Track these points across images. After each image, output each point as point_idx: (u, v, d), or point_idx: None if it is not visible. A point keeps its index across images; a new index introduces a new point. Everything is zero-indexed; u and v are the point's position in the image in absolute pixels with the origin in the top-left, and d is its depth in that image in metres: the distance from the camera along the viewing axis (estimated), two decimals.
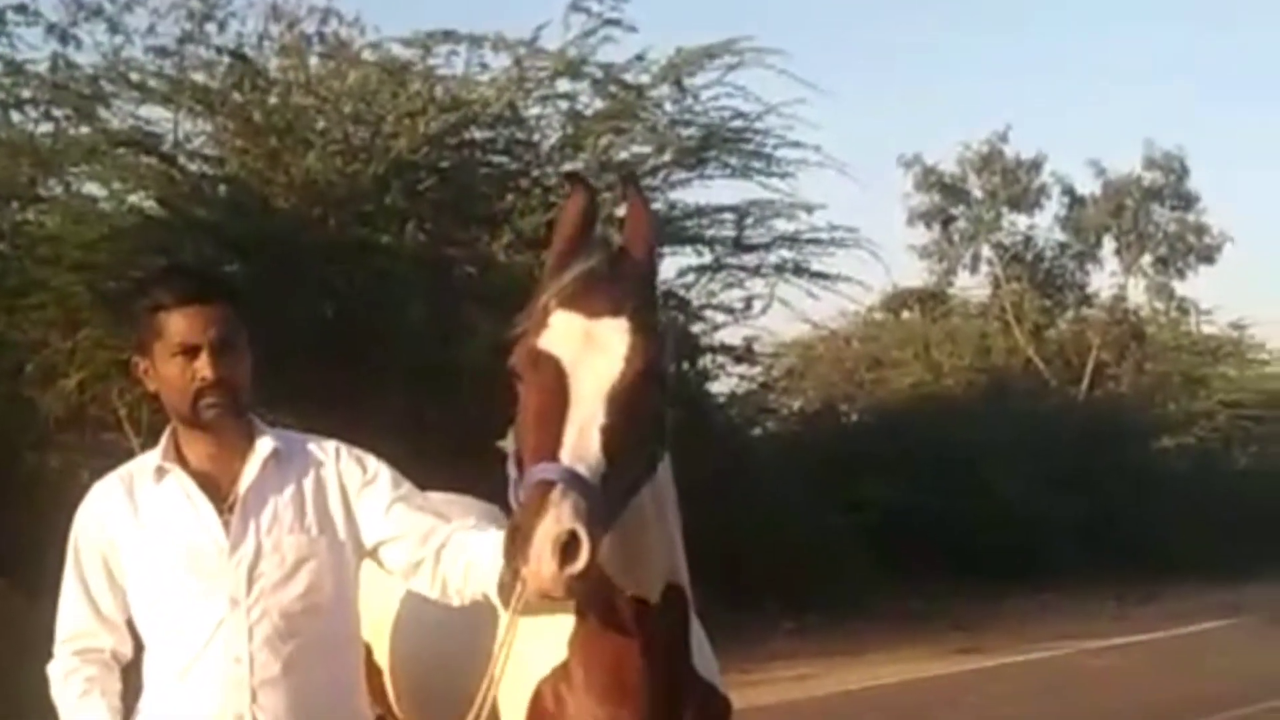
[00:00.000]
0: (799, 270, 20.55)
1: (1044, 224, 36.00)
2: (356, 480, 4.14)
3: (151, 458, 4.14)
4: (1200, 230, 36.41)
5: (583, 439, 3.37)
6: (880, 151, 43.39)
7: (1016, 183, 34.51)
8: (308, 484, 4.11)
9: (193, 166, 17.35)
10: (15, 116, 17.37)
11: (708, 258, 20.33)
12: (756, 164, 19.54)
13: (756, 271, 20.65)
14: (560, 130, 19.07)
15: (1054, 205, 35.77)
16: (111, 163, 16.54)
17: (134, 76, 17.30)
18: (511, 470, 3.55)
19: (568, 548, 3.23)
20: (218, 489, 4.06)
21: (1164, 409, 33.70)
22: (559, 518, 3.23)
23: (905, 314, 34.59)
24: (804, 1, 46.34)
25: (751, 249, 20.41)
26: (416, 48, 18.54)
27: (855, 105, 41.48)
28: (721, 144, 19.49)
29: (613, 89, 18.92)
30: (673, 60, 19.04)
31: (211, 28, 19.81)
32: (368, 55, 18.92)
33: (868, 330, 32.69)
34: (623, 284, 3.56)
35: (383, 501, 4.12)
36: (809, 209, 20.06)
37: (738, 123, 19.52)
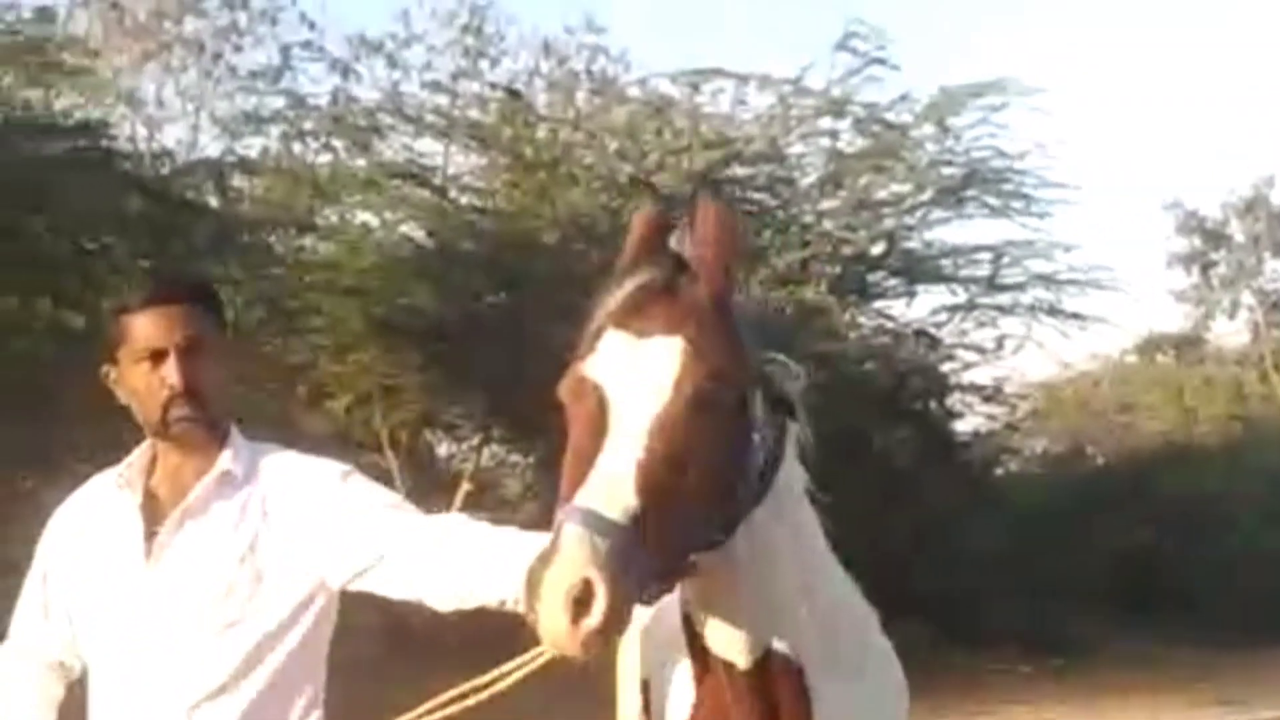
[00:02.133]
0: (1053, 311, 20.26)
1: None
2: (328, 500, 3.76)
3: (115, 471, 3.84)
4: None
5: (613, 474, 2.86)
6: (1141, 192, 42.53)
7: None
8: (255, 503, 3.74)
9: (463, 200, 17.76)
10: (297, 147, 18.16)
11: (961, 297, 20.21)
12: (1015, 204, 19.34)
13: (1010, 311, 20.42)
14: (821, 168, 19.12)
15: None
16: (386, 194, 17.02)
17: (410, 111, 17.83)
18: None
19: (581, 599, 2.73)
20: (166, 508, 3.73)
21: None
22: (571, 561, 2.73)
23: (1159, 358, 34.01)
24: (1070, 40, 45.69)
25: (1006, 289, 20.18)
26: (683, 85, 18.75)
27: (1119, 145, 40.70)
28: (981, 184, 19.32)
29: (875, 128, 18.94)
30: (935, 100, 19.00)
31: (484, 64, 20.47)
32: (634, 92, 19.25)
33: (1118, 373, 32.19)
34: (684, 300, 3.03)
35: (363, 523, 3.70)
36: (1066, 249, 19.84)
37: (998, 162, 19.34)
